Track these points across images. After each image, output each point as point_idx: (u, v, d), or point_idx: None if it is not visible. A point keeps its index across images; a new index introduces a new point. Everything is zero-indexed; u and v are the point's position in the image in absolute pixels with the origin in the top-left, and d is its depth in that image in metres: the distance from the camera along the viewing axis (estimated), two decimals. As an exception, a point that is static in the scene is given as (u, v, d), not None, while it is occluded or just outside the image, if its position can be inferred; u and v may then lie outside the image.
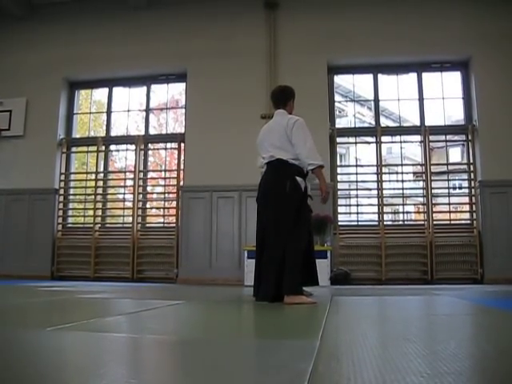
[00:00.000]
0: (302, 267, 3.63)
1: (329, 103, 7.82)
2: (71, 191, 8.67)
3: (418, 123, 7.92)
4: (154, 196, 8.95)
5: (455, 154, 9.64)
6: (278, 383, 1.13)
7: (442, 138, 8.00)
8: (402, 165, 8.11)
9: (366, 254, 7.36)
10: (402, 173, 7.96)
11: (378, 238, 7.36)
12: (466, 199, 7.73)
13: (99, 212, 8.43)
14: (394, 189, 7.97)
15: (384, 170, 7.93)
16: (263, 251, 3.73)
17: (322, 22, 7.85)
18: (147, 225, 8.47)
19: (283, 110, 4.02)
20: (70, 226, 8.62)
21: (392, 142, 8.53)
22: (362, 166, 8.46)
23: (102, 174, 8.50)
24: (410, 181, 8.28)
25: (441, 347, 1.65)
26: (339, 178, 7.88)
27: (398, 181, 7.93)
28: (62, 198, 8.37)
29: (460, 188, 8.49)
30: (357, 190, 8.04)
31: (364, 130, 8.75)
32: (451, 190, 7.89)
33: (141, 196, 8.30)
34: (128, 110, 8.80)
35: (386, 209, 7.79)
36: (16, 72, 8.49)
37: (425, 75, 8.02)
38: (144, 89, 8.70)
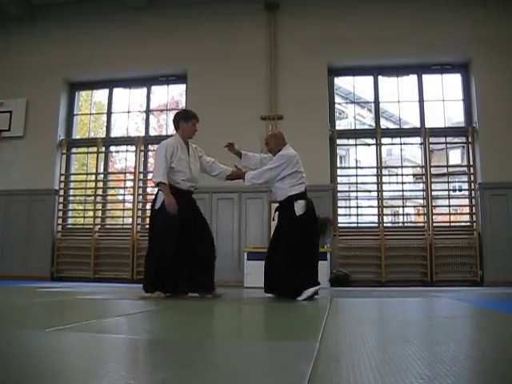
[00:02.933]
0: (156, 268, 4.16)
1: (329, 105, 7.83)
2: (71, 192, 8.67)
3: (418, 125, 7.93)
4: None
5: (455, 156, 9.64)
6: (277, 385, 1.13)
7: (442, 139, 8.01)
8: (401, 167, 8.11)
9: (366, 255, 7.36)
10: (402, 175, 7.97)
11: (378, 239, 7.36)
12: (466, 201, 7.73)
13: (99, 213, 8.43)
14: (393, 191, 7.97)
15: (384, 171, 7.94)
16: None
17: (322, 23, 7.86)
18: (147, 226, 8.44)
19: (176, 133, 4.55)
20: (69, 226, 8.62)
21: (392, 144, 8.53)
22: (361, 167, 8.45)
23: (101, 175, 8.50)
24: (409, 183, 8.27)
25: (440, 349, 1.65)
26: (339, 179, 7.88)
27: (397, 183, 7.92)
28: (61, 199, 8.38)
29: (460, 190, 8.48)
30: (357, 191, 8.05)
31: (364, 131, 8.76)
32: (451, 192, 7.89)
33: (141, 197, 8.30)
34: (128, 111, 8.80)
35: (385, 211, 7.79)
36: (16, 73, 8.49)
37: (425, 77, 8.03)
38: (144, 90, 8.71)
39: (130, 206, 8.23)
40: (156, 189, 4.45)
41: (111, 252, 7.95)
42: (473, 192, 7.49)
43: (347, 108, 9.48)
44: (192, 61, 8.09)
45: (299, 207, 4.25)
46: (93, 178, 8.52)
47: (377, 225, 7.65)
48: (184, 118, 4.50)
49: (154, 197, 4.46)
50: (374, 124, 8.20)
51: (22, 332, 2.00)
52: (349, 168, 9.18)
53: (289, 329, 2.39)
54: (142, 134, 8.56)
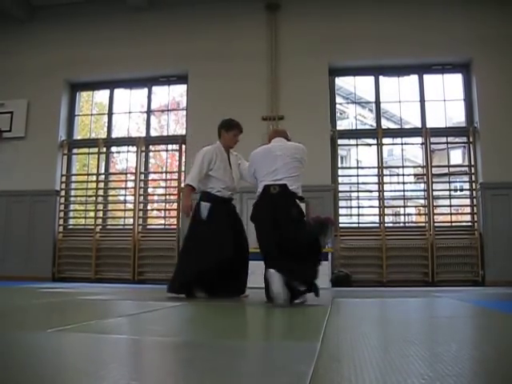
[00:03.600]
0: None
1: (330, 105, 7.83)
2: (72, 193, 8.67)
3: (419, 125, 7.92)
4: (155, 198, 8.94)
5: (456, 156, 9.63)
6: (278, 385, 1.13)
7: (443, 139, 8.00)
8: (403, 167, 8.10)
9: (367, 256, 7.35)
10: (403, 175, 7.95)
11: (379, 239, 7.36)
12: (467, 201, 7.73)
13: (100, 213, 8.43)
14: (394, 191, 7.96)
15: (385, 171, 7.92)
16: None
17: (323, 23, 7.86)
18: (148, 226, 8.47)
19: (218, 141, 4.60)
20: (70, 227, 8.62)
21: (393, 144, 8.53)
22: (363, 167, 8.44)
23: (103, 176, 8.50)
24: (411, 183, 8.26)
25: (442, 349, 1.65)
26: (340, 179, 7.87)
27: (399, 183, 7.91)
28: (63, 200, 8.38)
29: (461, 190, 8.48)
30: (358, 191, 8.05)
31: (365, 131, 8.75)
32: (452, 192, 7.88)
33: (142, 198, 8.30)
34: (129, 112, 8.80)
35: (386, 211, 7.78)
36: (17, 73, 8.49)
37: (426, 77, 8.02)
38: (145, 90, 8.71)
39: (131, 206, 8.23)
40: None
41: (112, 253, 7.95)
42: (474, 192, 7.48)
43: (348, 108, 9.47)
44: (193, 61, 8.09)
45: None
46: (94, 178, 8.53)
47: (378, 225, 7.64)
48: (225, 127, 4.54)
49: (195, 206, 4.45)
50: (375, 124, 8.20)
51: (23, 332, 2.00)
52: (350, 168, 9.16)
53: (290, 329, 2.39)
54: (143, 134, 8.56)
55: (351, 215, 7.97)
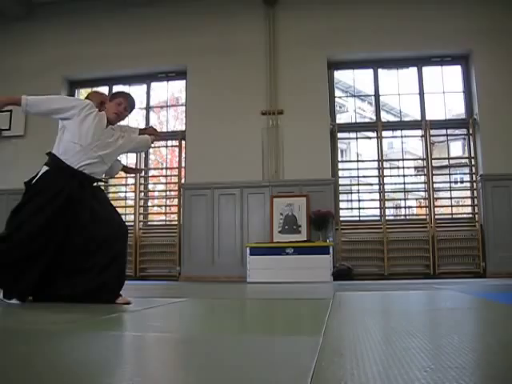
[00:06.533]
0: None
1: (329, 99, 7.82)
2: (73, 190, 8.66)
3: (418, 117, 7.92)
4: (156, 194, 8.95)
5: (456, 148, 9.61)
6: (281, 379, 1.13)
7: (443, 132, 7.99)
8: (403, 159, 8.11)
9: (368, 249, 7.36)
10: (404, 167, 7.96)
11: (380, 233, 7.36)
12: (468, 193, 7.73)
13: (101, 210, 8.42)
14: (395, 183, 7.96)
15: (385, 164, 7.92)
16: None
17: (321, 17, 7.84)
18: (149, 223, 8.47)
19: None
20: (71, 225, 8.60)
21: (393, 137, 8.52)
22: (363, 161, 8.43)
23: (103, 173, 8.48)
24: (411, 175, 8.26)
25: (444, 341, 1.65)
26: (340, 173, 7.87)
27: (399, 175, 7.92)
28: (63, 197, 8.37)
29: (461, 182, 8.47)
30: (358, 185, 8.05)
31: (365, 125, 8.73)
32: (453, 184, 7.88)
33: (142, 194, 8.31)
34: (128, 109, 8.77)
35: (387, 204, 7.78)
36: (15, 71, 8.46)
37: (425, 69, 8.01)
38: (144, 87, 8.70)
39: (131, 203, 8.23)
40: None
41: (114, 249, 7.95)
42: (474, 184, 7.48)
43: (347, 101, 9.45)
44: (191, 57, 8.08)
45: None
46: (94, 175, 8.51)
47: (379, 218, 7.65)
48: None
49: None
50: (374, 117, 8.19)
51: (23, 329, 2.00)
52: (350, 161, 9.15)
53: (292, 323, 2.39)
54: (143, 130, 8.54)
55: (352, 209, 7.98)
